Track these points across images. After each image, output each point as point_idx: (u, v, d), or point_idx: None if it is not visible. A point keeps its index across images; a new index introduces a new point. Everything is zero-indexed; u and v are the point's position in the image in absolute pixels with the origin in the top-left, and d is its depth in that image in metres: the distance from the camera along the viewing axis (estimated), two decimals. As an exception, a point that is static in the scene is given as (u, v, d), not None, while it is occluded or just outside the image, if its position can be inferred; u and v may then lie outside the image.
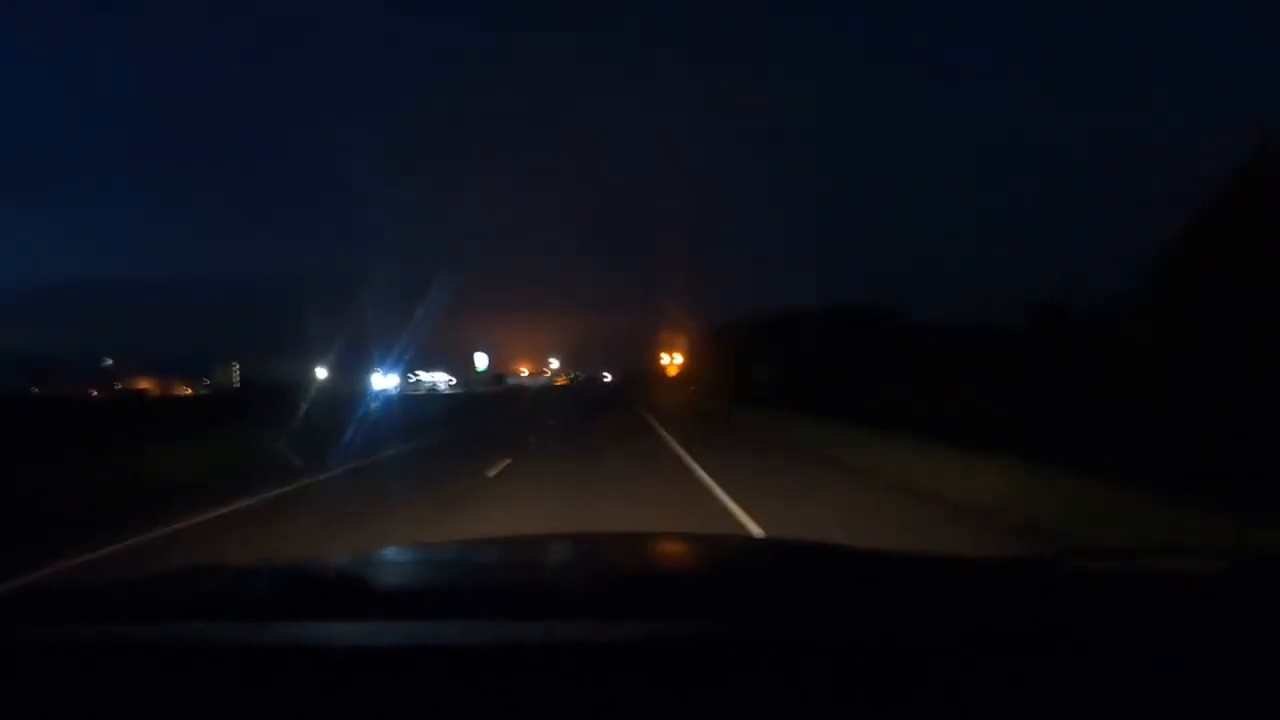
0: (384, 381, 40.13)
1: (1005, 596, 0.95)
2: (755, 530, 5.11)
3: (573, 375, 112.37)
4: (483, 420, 20.62)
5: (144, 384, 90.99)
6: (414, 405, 29.43)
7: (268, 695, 0.74)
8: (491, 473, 8.42)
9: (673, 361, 40.87)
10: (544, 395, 46.14)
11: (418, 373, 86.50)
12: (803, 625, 0.81)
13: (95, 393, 79.46)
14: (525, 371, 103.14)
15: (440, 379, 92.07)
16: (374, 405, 20.07)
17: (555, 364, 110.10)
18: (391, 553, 1.94)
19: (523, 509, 6.10)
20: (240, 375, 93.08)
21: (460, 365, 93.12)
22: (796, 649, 0.77)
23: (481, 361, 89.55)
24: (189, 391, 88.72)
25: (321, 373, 42.06)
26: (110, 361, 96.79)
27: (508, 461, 9.36)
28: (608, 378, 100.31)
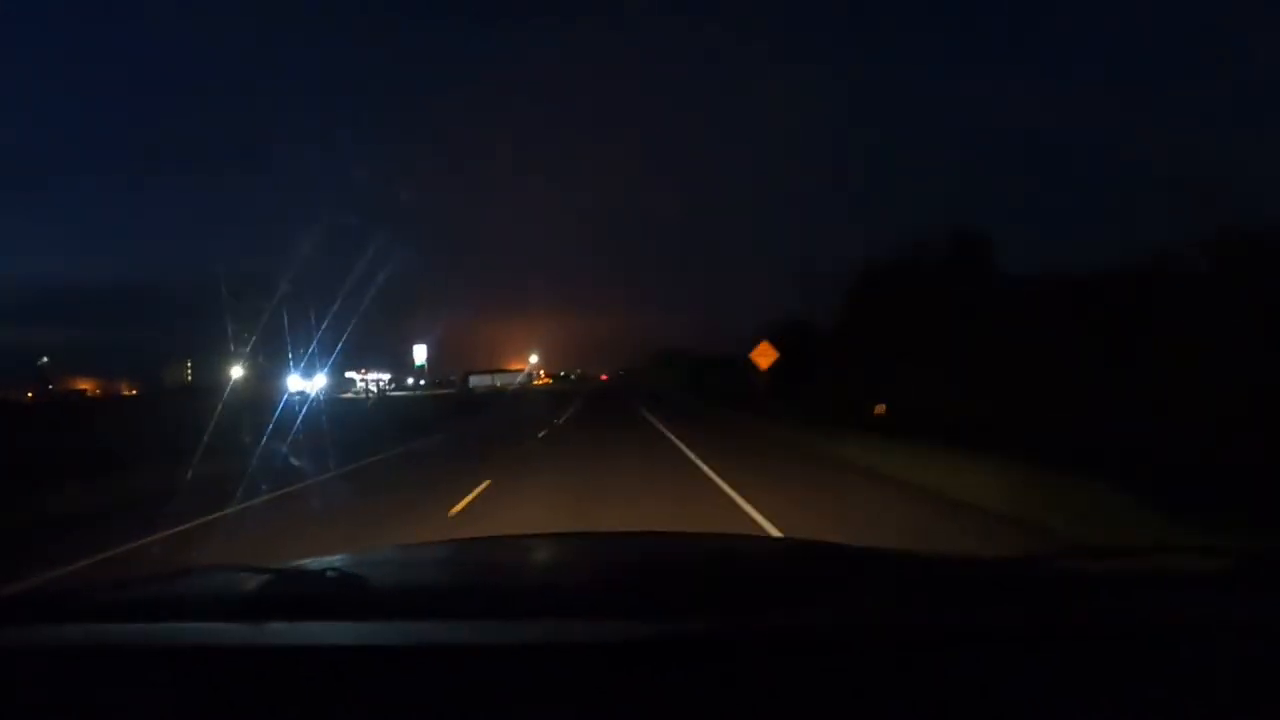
0: (304, 383, 35.51)
1: (1005, 594, 0.95)
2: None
3: (563, 374, 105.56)
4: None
5: (83, 384, 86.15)
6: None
7: (265, 695, 0.74)
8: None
9: (766, 350, 22.98)
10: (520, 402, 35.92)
11: (348, 372, 76.26)
12: (801, 623, 0.81)
13: (31, 394, 74.70)
14: (523, 370, 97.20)
15: (377, 380, 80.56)
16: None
17: (535, 359, 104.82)
18: (389, 553, 1.94)
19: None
20: (192, 374, 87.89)
21: (436, 364, 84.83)
22: (795, 647, 0.77)
23: (421, 355, 75.65)
24: (133, 392, 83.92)
25: (237, 372, 37.56)
26: (46, 359, 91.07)
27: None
28: (604, 379, 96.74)
